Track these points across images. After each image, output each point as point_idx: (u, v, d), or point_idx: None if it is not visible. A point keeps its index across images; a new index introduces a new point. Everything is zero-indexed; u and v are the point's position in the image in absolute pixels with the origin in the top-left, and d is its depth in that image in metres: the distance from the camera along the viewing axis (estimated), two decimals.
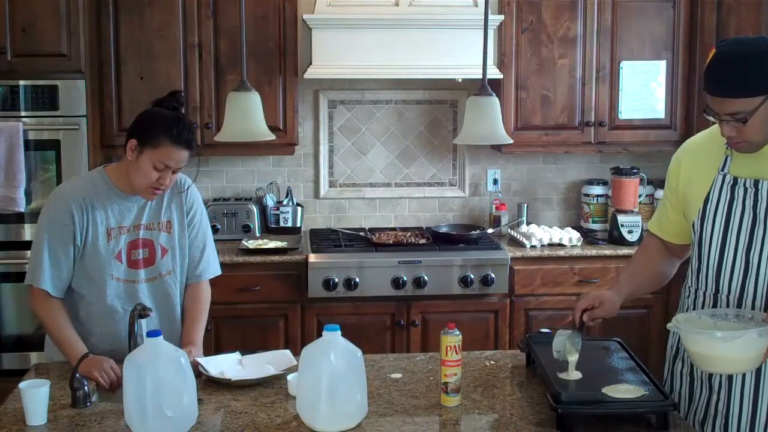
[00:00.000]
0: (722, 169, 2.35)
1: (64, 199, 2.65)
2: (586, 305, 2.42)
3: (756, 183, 2.28)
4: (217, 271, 2.94)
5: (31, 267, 2.64)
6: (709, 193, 2.37)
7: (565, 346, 2.34)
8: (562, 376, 2.32)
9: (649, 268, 2.59)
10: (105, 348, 2.67)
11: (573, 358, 2.34)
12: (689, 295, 2.46)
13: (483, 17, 3.21)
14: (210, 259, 2.89)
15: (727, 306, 2.32)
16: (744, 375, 2.29)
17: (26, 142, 3.97)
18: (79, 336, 2.64)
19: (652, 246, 2.61)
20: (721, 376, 2.33)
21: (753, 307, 2.27)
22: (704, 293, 2.39)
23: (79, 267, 2.66)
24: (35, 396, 2.22)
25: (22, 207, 3.95)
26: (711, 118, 2.25)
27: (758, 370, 2.28)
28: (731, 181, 2.33)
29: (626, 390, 2.22)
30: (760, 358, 2.14)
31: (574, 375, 2.33)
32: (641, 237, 4.37)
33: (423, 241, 4.35)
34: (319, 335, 2.21)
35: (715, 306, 2.35)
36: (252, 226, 4.47)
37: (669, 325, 2.22)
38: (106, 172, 2.71)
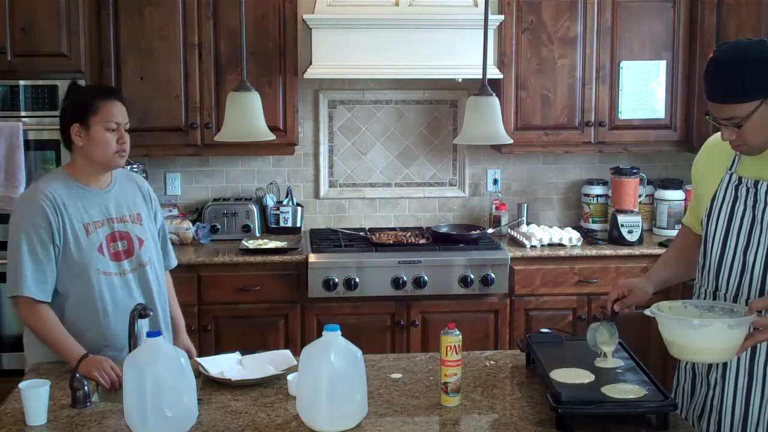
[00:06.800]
0: (730, 169, 2.39)
1: (35, 202, 2.64)
2: (616, 295, 2.47)
3: (756, 183, 2.31)
4: (175, 263, 3.10)
5: (12, 277, 2.61)
6: (716, 192, 2.40)
7: (596, 339, 2.41)
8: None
9: (682, 256, 2.62)
10: (99, 346, 2.67)
11: (609, 348, 2.40)
12: (695, 291, 2.50)
13: (483, 17, 3.21)
14: (170, 250, 3.06)
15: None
16: (738, 372, 2.33)
17: (26, 142, 3.97)
18: None
19: (685, 236, 2.64)
20: (717, 372, 2.36)
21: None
22: (706, 290, 2.43)
23: (62, 267, 2.65)
24: (35, 396, 2.22)
25: None
26: (713, 122, 2.28)
27: (751, 368, 2.31)
28: (736, 181, 2.36)
29: (626, 390, 2.23)
30: (731, 351, 2.16)
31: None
32: (641, 237, 4.38)
33: (423, 241, 4.35)
34: (319, 335, 2.21)
35: None
36: (252, 226, 4.47)
37: (646, 311, 2.26)
38: (66, 170, 2.76)
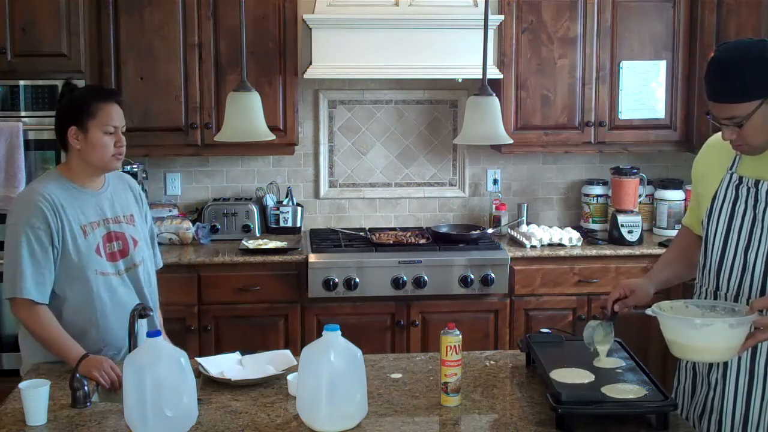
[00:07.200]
0: (731, 168, 2.39)
1: (34, 204, 2.62)
2: (618, 295, 2.48)
3: (756, 183, 2.31)
4: (161, 263, 3.08)
5: (11, 278, 2.59)
6: (716, 192, 2.41)
7: (593, 337, 2.42)
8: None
9: (682, 257, 2.62)
10: (98, 347, 2.67)
11: (604, 347, 2.42)
12: (696, 291, 2.50)
13: (483, 17, 3.22)
14: (158, 251, 3.04)
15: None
16: (738, 372, 2.33)
17: (26, 142, 3.97)
18: None
19: (685, 236, 2.65)
20: (717, 372, 2.37)
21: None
22: (706, 290, 2.43)
23: (60, 269, 2.64)
24: (35, 396, 2.22)
25: None
26: (713, 122, 2.28)
27: (752, 368, 2.31)
28: (737, 181, 2.37)
29: (626, 390, 2.23)
30: (732, 350, 2.16)
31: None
32: (641, 237, 4.38)
33: (423, 241, 4.35)
34: (319, 335, 2.21)
35: None
36: (252, 226, 4.47)
37: (648, 311, 2.26)
38: (61, 171, 2.75)
